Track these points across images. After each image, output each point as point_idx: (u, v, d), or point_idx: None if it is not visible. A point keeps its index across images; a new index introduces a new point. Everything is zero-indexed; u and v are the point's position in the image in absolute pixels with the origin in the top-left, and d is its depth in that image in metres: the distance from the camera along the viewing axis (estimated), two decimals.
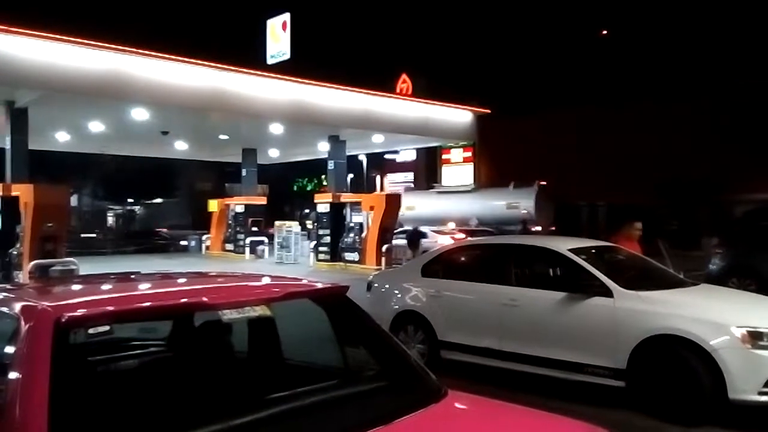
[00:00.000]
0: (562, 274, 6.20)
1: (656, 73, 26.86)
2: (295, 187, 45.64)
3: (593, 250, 6.51)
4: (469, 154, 32.97)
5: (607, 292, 5.57)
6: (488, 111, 25.32)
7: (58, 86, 15.02)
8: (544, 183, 24.43)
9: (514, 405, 2.47)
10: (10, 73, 14.24)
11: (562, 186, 24.32)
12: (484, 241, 10.35)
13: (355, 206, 21.66)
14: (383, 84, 23.53)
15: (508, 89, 29.53)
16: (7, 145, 16.19)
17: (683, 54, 26.32)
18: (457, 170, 33.57)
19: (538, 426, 2.31)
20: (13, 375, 1.83)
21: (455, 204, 25.93)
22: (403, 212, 26.08)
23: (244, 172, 27.00)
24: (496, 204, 25.00)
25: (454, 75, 29.97)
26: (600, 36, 31.63)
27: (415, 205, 26.82)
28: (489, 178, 29.38)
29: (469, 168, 33.06)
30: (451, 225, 23.48)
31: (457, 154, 33.78)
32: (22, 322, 1.99)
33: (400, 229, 24.15)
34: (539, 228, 21.80)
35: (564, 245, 6.31)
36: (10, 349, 1.98)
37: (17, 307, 2.18)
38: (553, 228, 21.63)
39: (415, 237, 19.10)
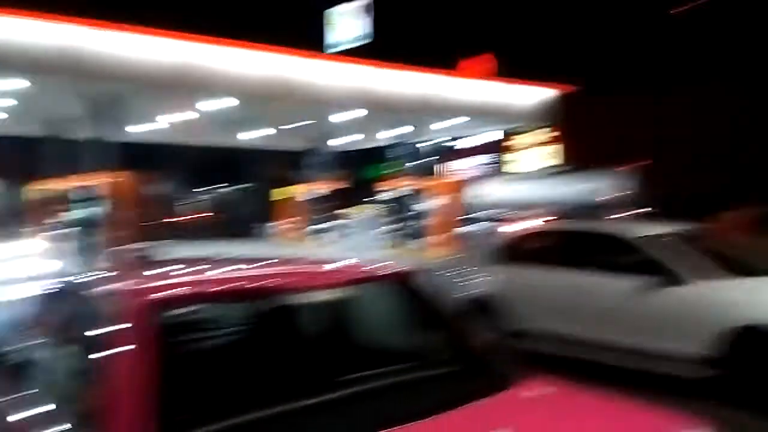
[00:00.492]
0: (638, 261, 5.99)
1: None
2: (365, 174, 45.96)
3: (673, 236, 6.25)
4: (549, 136, 31.97)
5: (684, 280, 5.35)
6: (573, 90, 24.43)
7: (133, 79, 15.63)
8: (647, 164, 22.65)
9: (593, 392, 2.38)
10: (96, 68, 14.96)
11: (662, 168, 22.82)
12: (558, 227, 10.12)
13: (426, 192, 21.65)
14: (457, 66, 23.13)
15: (595, 67, 28.20)
16: (98, 137, 17.12)
17: None
18: (535, 154, 32.65)
19: (627, 414, 2.22)
20: (110, 353, 1.98)
21: (543, 189, 24.46)
22: (483, 198, 25.42)
23: (313, 159, 27.52)
24: (590, 187, 23.33)
25: (535, 53, 28.90)
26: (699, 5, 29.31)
27: (497, 191, 25.72)
28: (573, 160, 28.17)
29: (549, 151, 32.08)
30: (538, 211, 22.39)
31: (534, 137, 32.87)
32: (123, 303, 2.14)
33: (471, 215, 23.88)
34: (638, 211, 20.35)
35: (640, 230, 6.10)
36: (112, 328, 2.14)
37: (118, 288, 2.34)
38: (655, 212, 20.23)
39: (493, 223, 18.96)
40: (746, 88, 23.25)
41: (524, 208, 21.75)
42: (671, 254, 5.71)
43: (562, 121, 26.17)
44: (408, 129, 22.52)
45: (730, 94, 23.42)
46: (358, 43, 22.32)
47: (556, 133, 30.53)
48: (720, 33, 25.84)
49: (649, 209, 20.32)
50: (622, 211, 20.23)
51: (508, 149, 34.11)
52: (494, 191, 25.36)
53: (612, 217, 18.72)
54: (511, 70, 23.71)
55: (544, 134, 31.68)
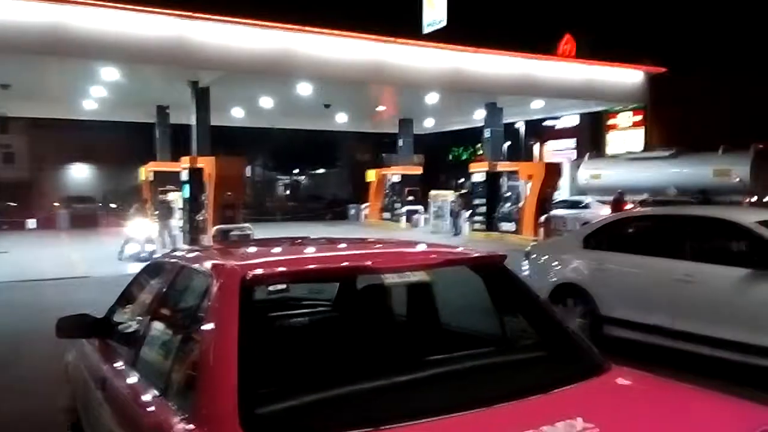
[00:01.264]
0: (747, 249, 5.60)
1: None
2: (450, 157, 45.67)
3: None
4: (639, 118, 30.51)
5: None
6: (663, 70, 23.11)
7: (234, 66, 16.33)
8: (763, 146, 20.69)
9: (683, 384, 2.31)
10: (195, 56, 15.71)
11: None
12: (654, 212, 9.63)
13: (513, 175, 21.21)
14: (544, 46, 22.42)
15: (687, 45, 26.52)
16: (192, 122, 18.00)
17: None
18: (625, 136, 31.29)
19: (713, 407, 2.12)
20: (206, 326, 2.08)
21: (649, 171, 22.86)
22: (588, 181, 24.50)
23: (400, 142, 27.57)
24: (700, 171, 21.52)
25: (623, 32, 27.57)
26: None
27: (602, 174, 24.53)
28: (663, 143, 26.65)
29: (640, 133, 30.61)
30: (639, 195, 21.11)
31: (625, 119, 31.46)
32: (214, 279, 2.24)
33: (560, 199, 23.17)
34: (752, 199, 18.62)
35: (751, 217, 5.69)
36: (203, 303, 2.25)
37: (209, 265, 2.46)
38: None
39: (586, 208, 18.45)
40: None
41: (625, 192, 20.61)
42: None
43: (650, 102, 24.73)
44: (494, 111, 22.08)
45: None
46: (437, 26, 22.00)
47: (643, 116, 28.99)
48: None
49: (764, 197, 18.59)
50: (734, 197, 18.74)
51: (601, 131, 32.80)
52: (610, 174, 24.05)
53: (718, 203, 17.42)
54: (598, 50, 22.68)
55: (636, 116, 30.21)
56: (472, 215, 22.17)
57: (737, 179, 19.80)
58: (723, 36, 26.18)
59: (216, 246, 5.28)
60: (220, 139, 20.03)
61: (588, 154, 27.48)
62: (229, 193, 16.86)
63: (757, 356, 5.13)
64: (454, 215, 22.55)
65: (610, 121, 32.19)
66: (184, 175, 17.70)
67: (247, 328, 1.99)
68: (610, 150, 30.76)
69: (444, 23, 22.00)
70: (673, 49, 25.15)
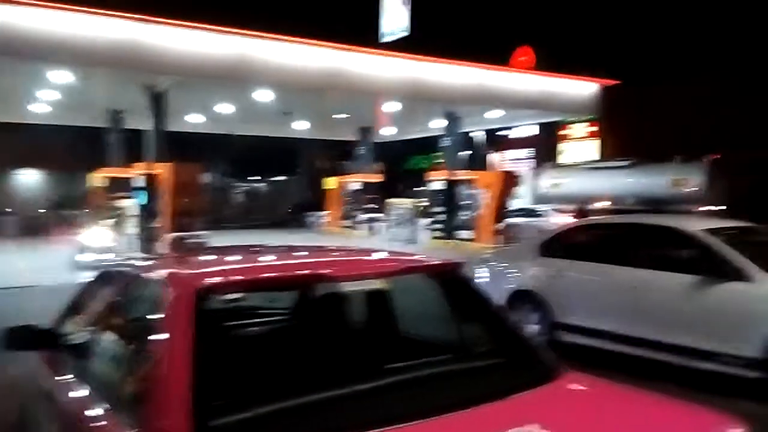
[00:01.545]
0: (695, 256, 5.80)
1: None
2: (409, 165, 45.95)
3: (733, 231, 6.02)
4: (593, 129, 31.37)
5: (746, 276, 5.15)
6: (616, 82, 23.82)
7: (191, 71, 16.07)
8: (717, 156, 21.24)
9: (635, 388, 2.37)
10: (150, 60, 15.39)
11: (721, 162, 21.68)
12: (608, 221, 9.89)
13: (470, 184, 21.47)
14: (501, 57, 22.85)
15: (640, 58, 27.43)
16: (148, 127, 17.62)
17: None
18: (579, 146, 32.13)
19: (662, 411, 2.19)
20: (159, 337, 2.03)
21: (609, 181, 23.30)
22: (548, 190, 24.63)
23: (359, 150, 27.60)
24: (657, 181, 22.05)
25: (578, 45, 28.35)
26: None
27: (561, 183, 24.80)
28: (617, 154, 27.41)
29: (594, 144, 31.47)
30: (603, 204, 21.39)
31: (579, 130, 32.29)
32: (167, 289, 2.19)
33: (515, 208, 23.53)
34: (705, 208, 19.03)
35: (699, 225, 5.90)
36: (156, 313, 2.20)
37: (162, 274, 2.41)
38: (723, 208, 18.90)
39: (540, 216, 18.88)
40: None
41: (579, 201, 20.96)
42: (742, 249, 5.48)
43: (604, 114, 25.46)
44: (453, 120, 22.36)
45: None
46: (398, 36, 22.19)
47: (597, 127, 29.80)
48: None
49: (717, 206, 19.04)
50: (689, 207, 19.14)
51: (557, 141, 33.57)
52: (570, 183, 24.34)
53: (674, 212, 17.86)
54: (553, 62, 23.22)
55: (590, 127, 31.03)
56: (431, 223, 22.35)
57: (693, 189, 20.32)
58: (673, 49, 27.17)
59: (171, 254, 5.18)
60: (177, 145, 19.65)
61: (548, 163, 27.93)
62: (186, 200, 16.56)
63: (703, 360, 5.31)
64: (408, 224, 22.87)
65: (565, 132, 32.99)
66: (140, 182, 17.30)
67: (201, 339, 1.95)
68: (564, 160, 31.47)
69: (407, 32, 22.19)
70: (626, 62, 25.99)
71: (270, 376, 2.27)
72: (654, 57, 27.12)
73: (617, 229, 6.99)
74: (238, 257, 3.02)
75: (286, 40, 17.20)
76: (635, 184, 22.00)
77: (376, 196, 26.81)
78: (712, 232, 5.69)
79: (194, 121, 24.21)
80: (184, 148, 28.49)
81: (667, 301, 5.65)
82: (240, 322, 3.15)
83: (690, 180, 20.54)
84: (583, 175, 23.97)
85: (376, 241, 22.90)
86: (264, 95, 18.73)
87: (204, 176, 21.40)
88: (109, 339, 2.60)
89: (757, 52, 23.94)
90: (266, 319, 3.34)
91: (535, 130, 34.08)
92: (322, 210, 29.86)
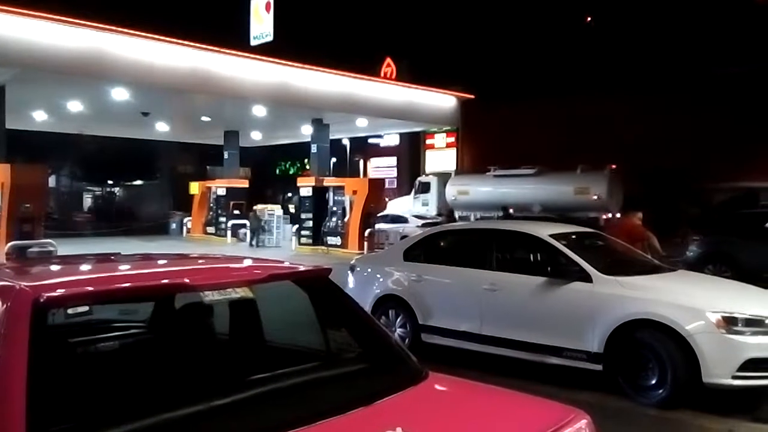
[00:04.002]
0: (543, 259, 6.27)
1: (641, 62, 26.66)
2: (277, 171, 45.36)
3: (574, 236, 6.59)
4: (452, 139, 32.91)
5: (587, 278, 5.65)
6: (472, 96, 25.18)
7: (35, 64, 14.72)
8: (615, 166, 22.58)
9: (493, 387, 2.51)
10: None
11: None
12: (465, 226, 10.43)
13: (338, 190, 21.61)
14: (367, 67, 23.34)
15: (493, 75, 29.32)
16: None
17: (669, 43, 26.26)
18: (441, 156, 33.54)
19: (516, 407, 2.35)
20: None
21: (515, 189, 23.67)
22: (456, 197, 24.65)
23: (225, 155, 26.78)
24: (562, 189, 22.00)
25: (439, 59, 29.75)
26: (586, 23, 31.45)
27: (470, 190, 24.88)
28: (472, 164, 29.02)
29: (453, 153, 33.01)
30: (510, 211, 21.72)
31: (440, 140, 33.71)
32: (4, 300, 1.96)
33: (382, 214, 23.99)
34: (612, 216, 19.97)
35: (545, 230, 6.37)
36: None
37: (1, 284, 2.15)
38: (619, 215, 20.06)
39: (406, 223, 19.52)
40: (628, 101, 24.62)
41: (509, 209, 21.06)
42: (582, 253, 5.97)
43: (462, 125, 26.91)
44: (321, 126, 22.44)
45: (610, 105, 24.67)
46: (263, 41, 21.90)
47: (455, 137, 31.31)
48: (606, 48, 27.54)
49: (617, 213, 20.20)
50: (592, 214, 20.27)
51: (420, 150, 34.82)
52: (477, 190, 24.47)
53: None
54: (416, 75, 24.12)
55: (449, 137, 32.47)
56: (299, 229, 22.21)
57: (595, 197, 21.45)
58: (524, 70, 29.32)
59: (8, 264, 4.66)
60: (18, 145, 17.84)
61: (454, 170, 28.38)
62: (28, 205, 15.04)
63: (550, 355, 5.75)
64: (275, 230, 22.70)
65: (428, 141, 34.33)
66: None
67: (39, 358, 1.76)
68: (428, 168, 32.69)
69: (270, 38, 21.91)
70: (482, 79, 27.63)
71: (122, 396, 2.10)
72: (506, 76, 29.08)
73: (474, 235, 7.39)
74: (86, 266, 2.78)
75: (146, 37, 16.33)
76: (542, 191, 22.49)
77: (242, 201, 26.12)
78: (557, 237, 6.18)
79: (41, 119, 22.14)
80: (28, 148, 26.00)
81: (517, 301, 6.06)
82: (89, 337, 2.90)
83: (592, 188, 21.61)
84: (491, 182, 24.20)
85: (242, 247, 22.31)
86: (119, 93, 17.58)
87: (50, 179, 19.62)
88: None
89: (591, 76, 26.51)
90: (120, 333, 3.11)
91: (398, 140, 35.18)
92: (186, 216, 28.54)
